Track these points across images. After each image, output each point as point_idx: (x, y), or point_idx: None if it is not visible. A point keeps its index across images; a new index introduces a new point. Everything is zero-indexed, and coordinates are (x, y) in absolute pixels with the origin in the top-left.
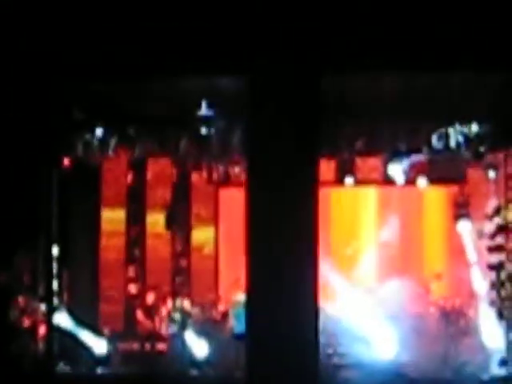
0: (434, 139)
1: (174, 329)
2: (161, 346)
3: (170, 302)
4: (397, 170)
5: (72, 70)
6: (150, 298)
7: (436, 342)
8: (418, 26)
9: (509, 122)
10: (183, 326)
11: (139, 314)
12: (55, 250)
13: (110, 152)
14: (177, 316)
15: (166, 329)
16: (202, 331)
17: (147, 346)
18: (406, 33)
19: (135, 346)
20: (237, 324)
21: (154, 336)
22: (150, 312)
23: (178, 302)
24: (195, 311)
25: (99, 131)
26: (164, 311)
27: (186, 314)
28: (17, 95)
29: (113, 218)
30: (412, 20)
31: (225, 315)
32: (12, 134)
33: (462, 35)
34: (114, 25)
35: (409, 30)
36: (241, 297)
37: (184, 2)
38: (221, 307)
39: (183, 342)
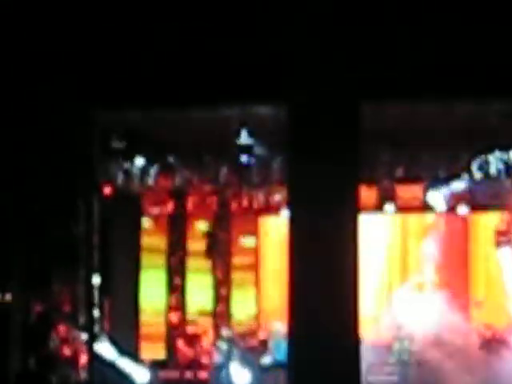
0: (474, 166)
1: (219, 358)
2: (203, 375)
3: (211, 331)
4: (437, 198)
5: (111, 98)
6: (192, 327)
7: (476, 374)
8: (455, 54)
9: None
10: (229, 355)
11: (180, 343)
12: (96, 279)
13: (151, 181)
14: (222, 345)
15: (207, 358)
16: (243, 360)
17: (188, 374)
18: (444, 60)
19: (176, 374)
20: (276, 353)
21: (196, 365)
22: (192, 341)
23: (224, 331)
24: (237, 340)
25: (139, 160)
26: (206, 340)
27: (231, 343)
28: (56, 123)
29: (153, 246)
30: (449, 48)
31: (264, 344)
32: (52, 163)
33: (502, 62)
34: (152, 54)
35: (446, 57)
36: (279, 326)
37: (224, 32)
38: (261, 336)
39: (228, 372)
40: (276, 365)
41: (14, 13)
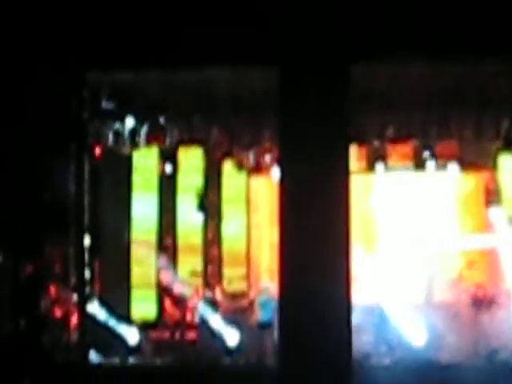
0: (466, 126)
1: (203, 318)
2: (191, 335)
3: (201, 292)
4: (428, 157)
5: (101, 59)
6: (181, 287)
7: (468, 330)
8: (444, 14)
9: None
10: (217, 315)
11: (169, 304)
12: (87, 240)
13: (141, 141)
14: (210, 306)
15: (196, 319)
16: (232, 320)
17: (177, 335)
18: (432, 20)
19: (166, 335)
20: (262, 313)
21: (185, 326)
22: (181, 302)
23: (208, 292)
24: (226, 300)
25: (130, 120)
26: (195, 301)
27: (214, 304)
28: (47, 84)
29: (143, 206)
30: (437, 8)
31: (252, 304)
32: (42, 124)
33: (491, 21)
34: (142, 14)
35: (435, 17)
36: (267, 284)
37: None
38: (251, 295)
39: (213, 331)
40: (261, 325)
41: None
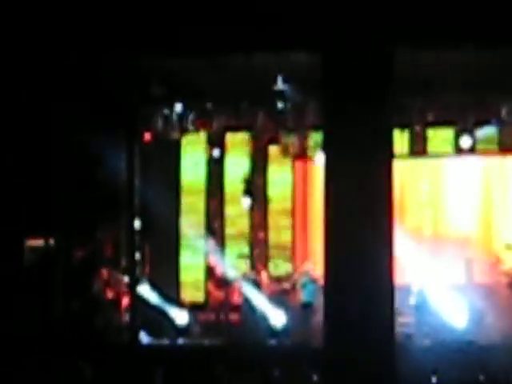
0: (504, 112)
1: (253, 301)
2: (235, 317)
3: (248, 274)
4: (467, 142)
5: (151, 46)
6: (228, 270)
7: (505, 311)
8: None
9: None
10: (263, 297)
11: (216, 287)
12: (137, 224)
13: (189, 127)
14: (253, 288)
15: (240, 301)
16: (276, 301)
17: (223, 316)
18: (476, 11)
19: (212, 316)
20: (304, 294)
21: (231, 308)
22: (227, 285)
23: (258, 275)
24: (271, 282)
25: (178, 107)
26: (240, 283)
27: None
28: (98, 71)
29: (192, 190)
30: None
31: (295, 285)
32: (94, 111)
33: None
34: (191, 3)
35: (480, 8)
36: (309, 267)
37: None
38: (296, 277)
39: (259, 313)
40: (304, 305)
41: None
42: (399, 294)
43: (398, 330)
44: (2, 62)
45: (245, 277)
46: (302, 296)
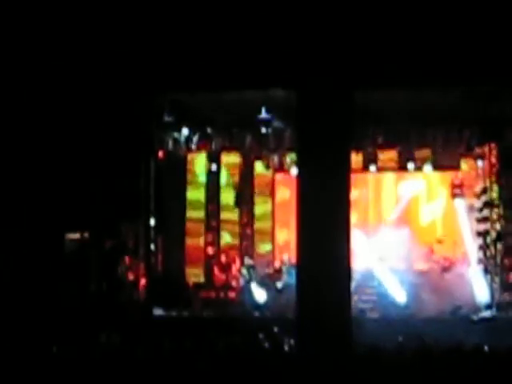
0: (438, 136)
1: (242, 281)
2: (232, 295)
3: (238, 261)
4: (408, 161)
5: (164, 84)
6: (224, 257)
7: (437, 292)
8: (424, 55)
9: (491, 125)
10: (250, 279)
11: (215, 270)
12: (152, 221)
13: (193, 147)
14: (245, 271)
15: (236, 281)
16: (262, 283)
17: (221, 294)
18: (415, 58)
19: (212, 294)
20: (288, 277)
21: (227, 286)
22: (224, 268)
23: (246, 261)
24: (257, 268)
25: (185, 131)
26: (234, 268)
27: (252, 270)
28: (122, 103)
29: (195, 196)
30: (418, 50)
31: (278, 271)
32: (120, 134)
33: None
34: (195, 50)
35: (417, 57)
36: (286, 256)
37: (252, 35)
38: (276, 264)
39: (249, 292)
40: (287, 286)
41: (77, 7)
42: (358, 277)
43: (355, 305)
44: (39, 92)
45: (236, 263)
46: (287, 279)
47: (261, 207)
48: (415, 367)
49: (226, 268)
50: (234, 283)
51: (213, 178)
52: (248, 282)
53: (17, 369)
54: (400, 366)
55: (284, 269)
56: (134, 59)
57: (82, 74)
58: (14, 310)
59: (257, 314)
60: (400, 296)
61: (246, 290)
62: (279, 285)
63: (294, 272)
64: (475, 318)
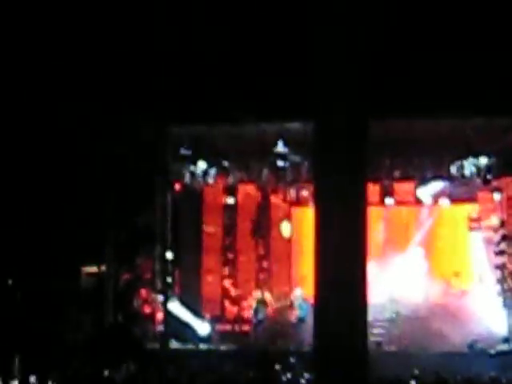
0: (453, 169)
1: (257, 315)
2: (246, 328)
3: (255, 294)
4: (425, 193)
5: (180, 117)
6: (239, 291)
7: (454, 325)
8: (441, 85)
9: (509, 157)
10: (259, 315)
11: (230, 303)
12: (169, 255)
13: (210, 180)
14: (259, 306)
15: (249, 315)
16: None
17: (236, 327)
18: (432, 88)
19: (228, 327)
20: (300, 311)
21: (241, 320)
22: (239, 302)
23: (259, 294)
24: (273, 300)
25: (202, 164)
26: (250, 301)
27: (262, 306)
28: (140, 137)
29: (212, 229)
30: (435, 81)
31: (290, 305)
32: (137, 167)
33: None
34: (211, 86)
35: (434, 88)
36: (299, 291)
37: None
38: (292, 297)
39: (263, 325)
40: (299, 320)
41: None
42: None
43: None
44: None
45: (252, 296)
46: (299, 313)
47: (278, 240)
48: None
49: (240, 302)
50: (247, 316)
51: (230, 211)
52: (258, 319)
53: None
54: None
55: (296, 303)
56: (155, 93)
57: (102, 109)
58: (32, 338)
59: (271, 347)
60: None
61: (260, 324)
62: (292, 318)
63: (304, 306)
64: (492, 351)
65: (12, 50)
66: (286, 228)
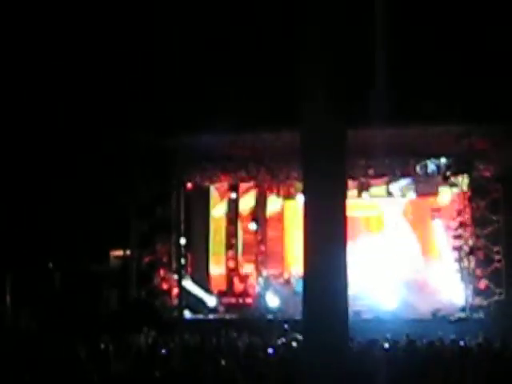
0: (418, 168)
1: (259, 289)
2: (249, 301)
3: (254, 272)
4: (395, 188)
5: (189, 128)
6: (243, 270)
7: (421, 297)
8: (405, 101)
9: (464, 158)
10: (265, 288)
11: (235, 280)
12: (183, 241)
13: (216, 179)
14: (261, 281)
15: (252, 289)
16: (276, 291)
17: (240, 300)
18: (398, 102)
19: (233, 300)
20: (297, 285)
21: (245, 294)
22: (243, 278)
23: (263, 273)
24: (270, 278)
25: (209, 166)
26: (251, 278)
27: (267, 280)
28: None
29: (218, 219)
30: (402, 96)
31: (288, 280)
32: (156, 170)
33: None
34: (212, 104)
35: (399, 103)
36: (295, 270)
37: (259, 84)
38: (285, 275)
39: (264, 298)
40: (295, 293)
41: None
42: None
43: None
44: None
45: (254, 275)
46: (296, 287)
47: (273, 227)
48: (403, 358)
49: (244, 279)
50: (250, 291)
51: (232, 204)
52: (264, 290)
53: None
54: (390, 358)
55: (292, 280)
56: (173, 108)
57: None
58: (68, 313)
59: (270, 316)
60: (391, 301)
61: (261, 297)
62: (290, 292)
63: (300, 282)
64: (452, 318)
65: None
66: (279, 217)
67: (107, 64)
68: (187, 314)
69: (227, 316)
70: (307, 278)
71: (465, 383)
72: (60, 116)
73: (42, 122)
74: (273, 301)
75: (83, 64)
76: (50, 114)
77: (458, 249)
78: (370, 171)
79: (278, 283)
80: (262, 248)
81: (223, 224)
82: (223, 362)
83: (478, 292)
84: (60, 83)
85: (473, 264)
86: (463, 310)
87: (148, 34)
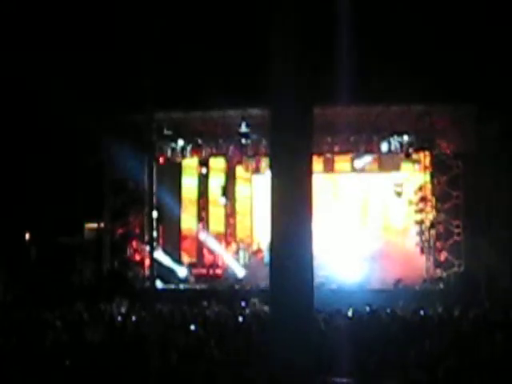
0: (382, 145)
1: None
2: (218, 272)
3: (223, 244)
4: (359, 164)
5: (162, 104)
6: (212, 241)
7: (382, 268)
8: (368, 81)
9: (425, 135)
10: (234, 259)
11: (205, 251)
12: (155, 213)
13: (187, 154)
14: (230, 252)
15: (222, 261)
16: (244, 262)
17: (210, 271)
18: (363, 81)
19: (203, 271)
20: (267, 256)
21: (215, 265)
22: (212, 250)
23: (232, 245)
24: (240, 250)
25: (180, 141)
26: (220, 250)
27: (236, 252)
28: (130, 121)
29: (189, 192)
30: (365, 76)
31: (259, 251)
32: (128, 145)
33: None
34: (188, 79)
35: (363, 82)
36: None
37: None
38: (255, 246)
39: (232, 269)
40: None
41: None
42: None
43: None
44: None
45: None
46: (266, 258)
47: (241, 201)
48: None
49: (213, 250)
50: (219, 262)
51: (203, 179)
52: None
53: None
54: (352, 325)
55: (263, 248)
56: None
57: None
58: (43, 284)
59: (238, 286)
60: (355, 271)
61: (229, 268)
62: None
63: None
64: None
65: None
66: (247, 191)
67: (84, 40)
68: (159, 284)
69: (197, 286)
70: (274, 249)
71: (426, 348)
72: (35, 89)
73: (16, 94)
74: (241, 272)
75: (61, 40)
76: (25, 87)
77: (420, 223)
78: (336, 148)
79: (246, 254)
80: (231, 221)
81: (194, 197)
82: (193, 328)
83: (438, 264)
84: (37, 58)
85: (433, 237)
86: (424, 281)
87: (121, 11)
